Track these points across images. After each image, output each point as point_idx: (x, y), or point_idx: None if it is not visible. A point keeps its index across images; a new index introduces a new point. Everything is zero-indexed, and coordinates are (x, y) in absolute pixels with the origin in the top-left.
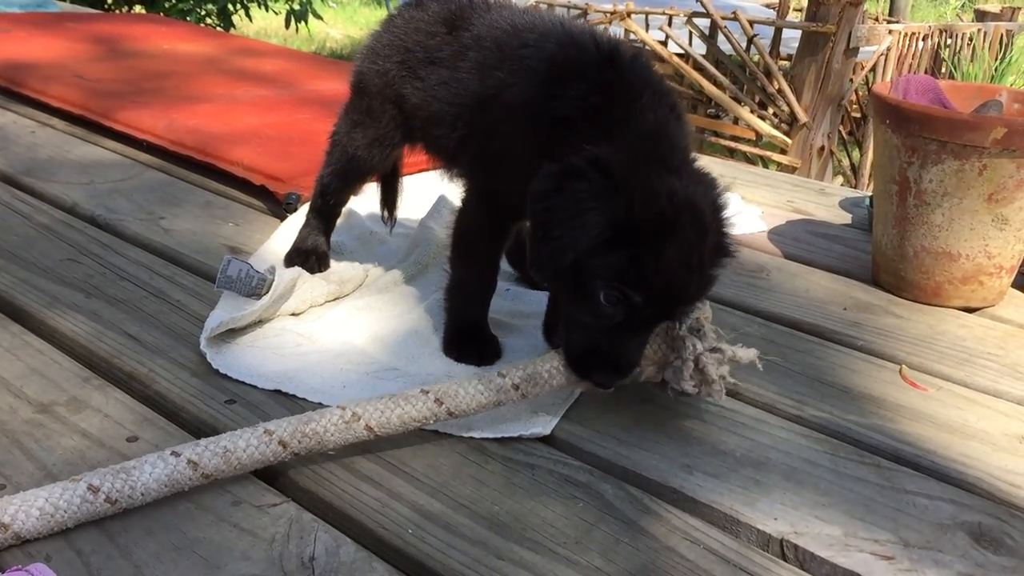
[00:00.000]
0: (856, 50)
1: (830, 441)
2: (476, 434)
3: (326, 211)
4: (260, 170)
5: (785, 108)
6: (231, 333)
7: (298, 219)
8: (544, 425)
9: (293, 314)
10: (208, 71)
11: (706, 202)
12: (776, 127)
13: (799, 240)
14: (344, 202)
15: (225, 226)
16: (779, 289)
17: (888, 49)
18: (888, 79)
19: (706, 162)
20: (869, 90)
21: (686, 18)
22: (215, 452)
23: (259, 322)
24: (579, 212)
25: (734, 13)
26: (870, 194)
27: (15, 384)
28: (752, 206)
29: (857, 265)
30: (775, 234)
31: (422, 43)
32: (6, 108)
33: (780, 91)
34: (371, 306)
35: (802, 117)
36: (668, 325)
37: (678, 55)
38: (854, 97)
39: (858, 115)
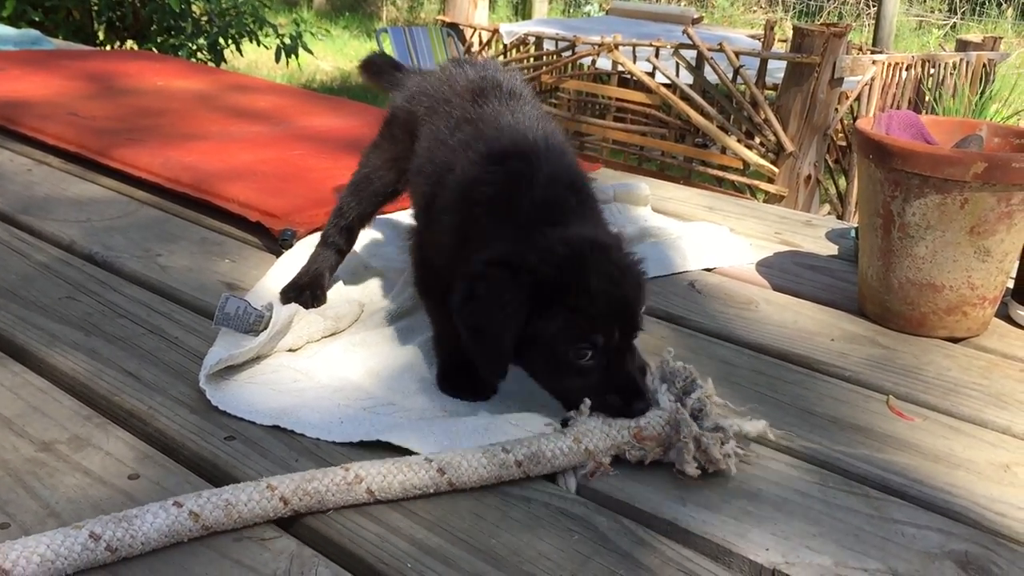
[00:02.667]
0: (841, 80)
1: (820, 472)
2: None
3: (336, 240)
4: (255, 207)
5: (772, 138)
6: (229, 370)
7: (294, 255)
8: None
9: (290, 350)
10: (201, 108)
11: (596, 233)
12: (763, 156)
13: (787, 271)
14: (357, 227)
15: (222, 262)
16: (768, 321)
17: (872, 79)
18: (872, 109)
19: (693, 193)
20: (854, 120)
21: (673, 50)
22: (217, 505)
23: (257, 358)
24: (499, 302)
25: (720, 44)
26: (855, 225)
27: (17, 423)
28: (741, 238)
29: (843, 296)
30: (764, 266)
31: (447, 98)
32: (2, 146)
33: (767, 121)
34: (367, 342)
35: (788, 146)
36: (672, 406)
37: (665, 86)
38: (839, 126)
39: (844, 144)
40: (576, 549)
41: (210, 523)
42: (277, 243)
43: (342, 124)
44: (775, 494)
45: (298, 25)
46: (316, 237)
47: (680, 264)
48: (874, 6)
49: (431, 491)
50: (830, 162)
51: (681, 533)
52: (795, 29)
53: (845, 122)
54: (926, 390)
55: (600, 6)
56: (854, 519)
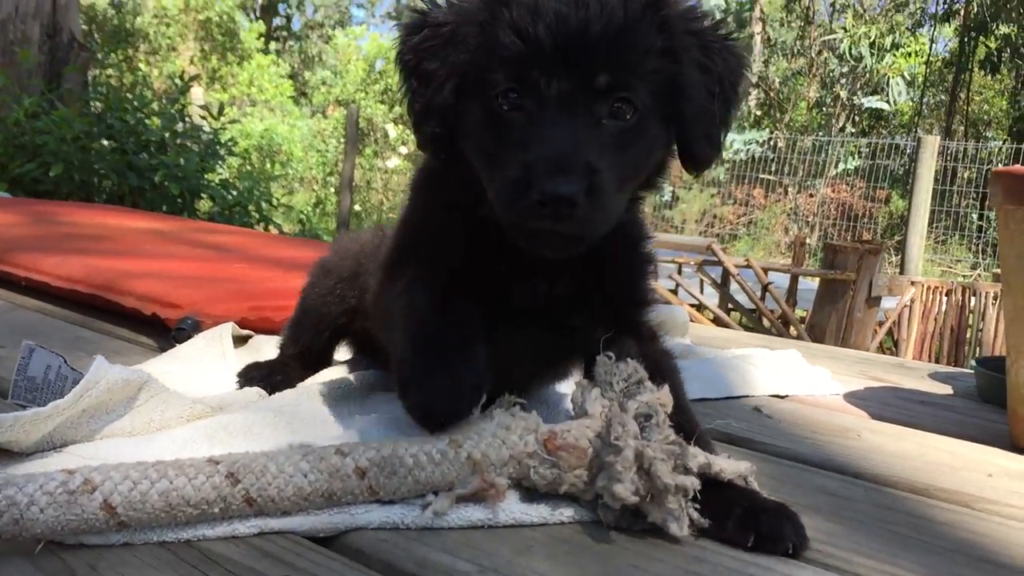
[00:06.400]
0: (878, 299)
1: None
2: None
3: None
4: (157, 298)
5: None
6: (4, 459)
7: (188, 349)
8: None
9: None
10: (148, 238)
11: None
12: None
13: (889, 404)
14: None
15: (86, 358)
16: (881, 451)
17: (912, 301)
18: (914, 334)
19: (744, 334)
20: (894, 344)
21: (696, 267)
22: None
23: (59, 447)
24: (448, 34)
25: (746, 260)
26: (975, 361)
27: None
28: (819, 367)
29: (985, 433)
30: (855, 397)
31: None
32: None
33: (799, 339)
34: (229, 428)
35: None
36: (605, 409)
37: (691, 305)
38: (881, 351)
39: None
40: None
41: None
42: (171, 336)
43: (298, 254)
44: None
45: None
46: (221, 331)
47: (739, 386)
48: (898, 253)
49: (215, 511)
50: None
51: None
52: (827, 245)
53: (884, 346)
54: None
55: None
56: None
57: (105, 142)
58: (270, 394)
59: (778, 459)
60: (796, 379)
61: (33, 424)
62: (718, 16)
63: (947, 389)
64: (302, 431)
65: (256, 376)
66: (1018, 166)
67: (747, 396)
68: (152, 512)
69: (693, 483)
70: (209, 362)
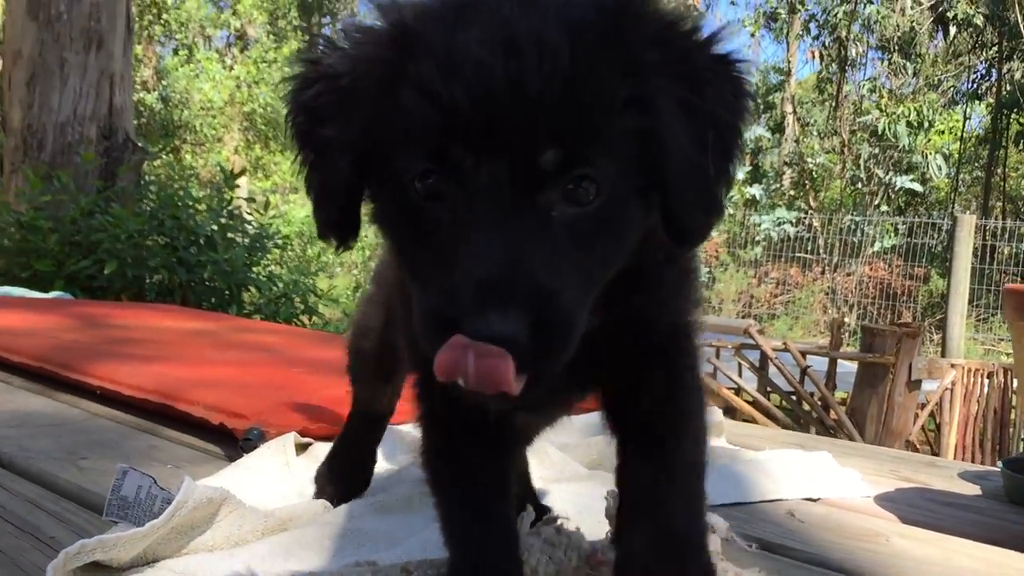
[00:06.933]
0: (919, 383)
1: None
2: None
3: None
4: (222, 409)
5: (847, 442)
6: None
7: (255, 459)
8: None
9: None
10: (190, 338)
11: None
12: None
13: (917, 507)
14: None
15: (163, 468)
16: (907, 556)
17: (953, 383)
18: (956, 416)
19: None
20: (937, 428)
21: (734, 350)
22: None
23: (151, 563)
24: (345, 91)
25: (784, 343)
26: (1002, 463)
27: None
28: (849, 469)
29: (1008, 536)
30: (884, 499)
31: None
32: None
33: (839, 423)
34: (301, 542)
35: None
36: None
37: (729, 389)
38: (922, 436)
39: (927, 450)
40: None
41: None
42: (239, 446)
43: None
44: None
45: None
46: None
47: (772, 490)
48: (939, 332)
49: None
50: None
51: None
52: (864, 328)
53: (927, 430)
54: None
55: None
56: None
57: (156, 238)
58: (343, 499)
59: (810, 566)
60: (828, 482)
61: (131, 543)
62: (711, 28)
63: (976, 489)
64: (368, 546)
65: (328, 491)
66: (1021, 284)
67: (781, 500)
68: None
69: None
70: (274, 472)
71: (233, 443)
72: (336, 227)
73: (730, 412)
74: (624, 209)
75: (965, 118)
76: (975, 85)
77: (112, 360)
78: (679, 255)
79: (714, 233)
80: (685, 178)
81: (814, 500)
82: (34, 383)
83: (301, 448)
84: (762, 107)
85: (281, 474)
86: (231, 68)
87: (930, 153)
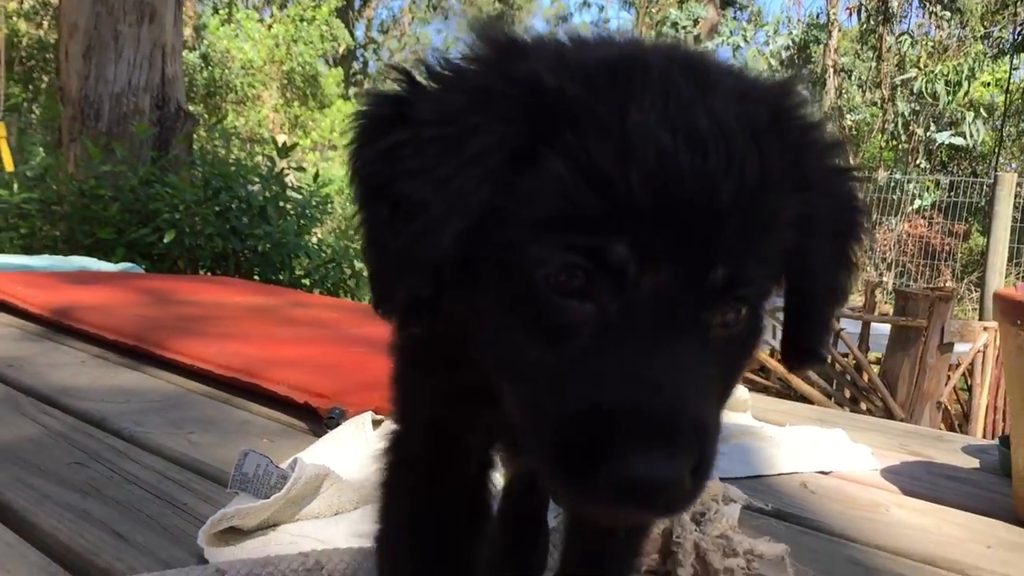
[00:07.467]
0: (951, 345)
1: None
2: None
3: None
4: (304, 388)
5: (879, 403)
6: (237, 536)
7: (339, 436)
8: None
9: (317, 517)
10: (254, 315)
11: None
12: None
13: (919, 479)
14: None
15: (259, 441)
16: (904, 524)
17: (985, 346)
18: (988, 379)
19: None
20: (968, 389)
21: (769, 313)
22: None
23: (272, 527)
24: (450, 144)
25: None
26: (999, 440)
27: None
28: (861, 445)
29: (995, 506)
30: (890, 472)
31: None
32: (60, 343)
33: (871, 385)
34: None
35: (898, 413)
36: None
37: (763, 351)
38: (954, 396)
39: (958, 410)
40: None
41: None
42: (323, 423)
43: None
44: None
45: None
46: (363, 419)
47: (787, 463)
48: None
49: None
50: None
51: None
52: (898, 292)
53: (959, 391)
54: None
55: None
56: None
57: (211, 207)
58: None
59: (817, 533)
60: (839, 456)
61: (258, 511)
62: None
63: (975, 463)
64: None
65: None
66: (1012, 290)
67: (797, 472)
68: None
69: (739, 564)
70: (357, 447)
71: (313, 418)
72: (412, 307)
73: (764, 372)
74: (761, 329)
75: (1011, 69)
76: (1022, 36)
77: (193, 337)
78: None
79: None
80: (822, 300)
81: (826, 473)
82: (127, 359)
83: (376, 424)
84: (801, 62)
85: (362, 449)
86: (270, 27)
87: (969, 113)
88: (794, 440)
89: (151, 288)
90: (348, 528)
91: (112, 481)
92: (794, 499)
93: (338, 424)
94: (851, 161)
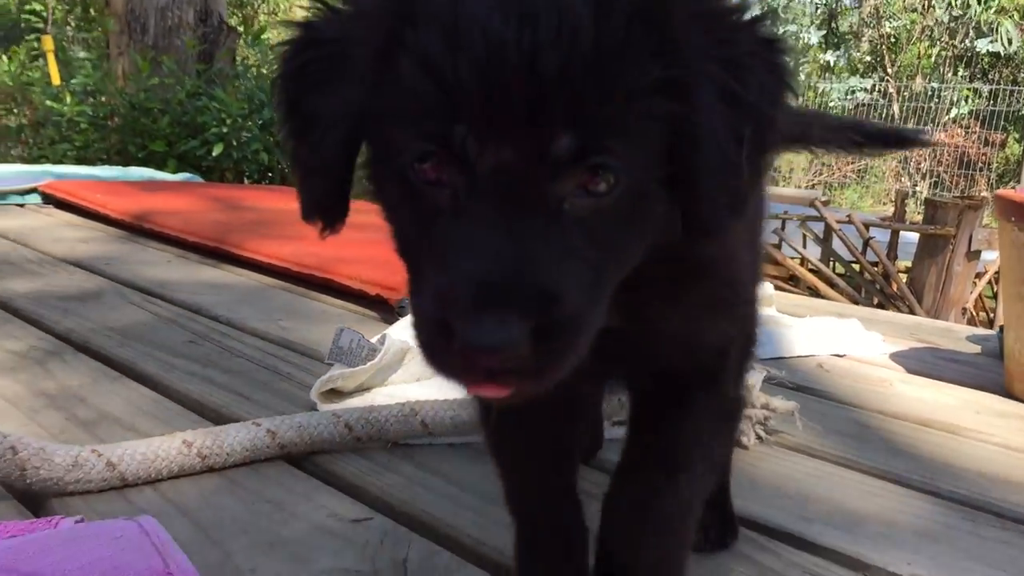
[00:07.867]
0: (978, 254)
1: (969, 511)
2: None
3: None
4: (375, 282)
5: (906, 311)
6: (339, 396)
7: (407, 321)
8: None
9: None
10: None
11: None
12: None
13: (924, 361)
14: None
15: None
16: (905, 395)
17: None
18: None
19: (820, 302)
20: (994, 296)
21: (799, 222)
22: (291, 426)
23: (367, 389)
24: (337, 58)
25: (848, 216)
26: (999, 328)
27: (127, 420)
28: (873, 332)
29: (990, 383)
30: (898, 356)
31: None
32: (146, 245)
33: (900, 293)
34: None
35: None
36: None
37: (793, 259)
38: (980, 304)
39: (984, 318)
40: None
41: (284, 442)
42: (395, 312)
43: None
44: (916, 524)
45: None
46: None
47: (805, 347)
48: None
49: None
50: None
51: (809, 546)
52: (927, 201)
53: (984, 298)
54: None
55: None
56: (1010, 550)
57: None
58: None
59: (828, 401)
60: (853, 342)
61: (355, 376)
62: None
63: (977, 349)
64: None
65: None
66: (1011, 191)
67: (814, 355)
68: (447, 427)
69: (757, 414)
70: None
71: (384, 308)
72: (321, 208)
73: (793, 280)
74: (643, 201)
75: None
76: None
77: (267, 239)
78: (711, 264)
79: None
80: (716, 174)
81: (840, 356)
82: (207, 259)
83: None
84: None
85: None
86: None
87: (1007, 20)
88: (812, 328)
89: (217, 195)
90: (430, 391)
91: (223, 356)
92: (811, 377)
93: (407, 312)
94: (769, 30)
